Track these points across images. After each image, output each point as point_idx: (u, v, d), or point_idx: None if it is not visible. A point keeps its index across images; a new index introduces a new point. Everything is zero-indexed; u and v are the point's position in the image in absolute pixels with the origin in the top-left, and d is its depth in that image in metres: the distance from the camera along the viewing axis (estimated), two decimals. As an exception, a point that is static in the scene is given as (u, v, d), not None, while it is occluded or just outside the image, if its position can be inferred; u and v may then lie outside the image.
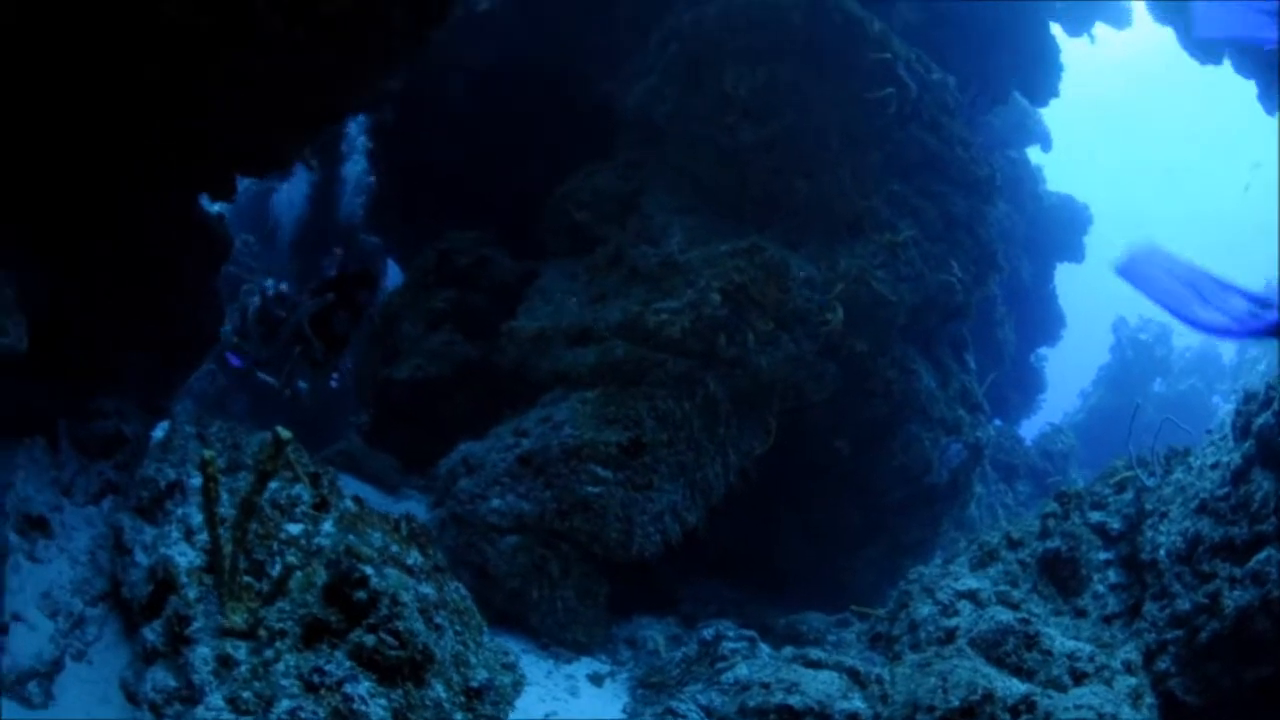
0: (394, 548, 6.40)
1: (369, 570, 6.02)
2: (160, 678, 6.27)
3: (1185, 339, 39.89)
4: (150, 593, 7.02)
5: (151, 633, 6.67)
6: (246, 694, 5.66)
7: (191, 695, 5.92)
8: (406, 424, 15.76)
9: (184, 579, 6.70)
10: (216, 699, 5.69)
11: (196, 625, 6.30)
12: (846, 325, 13.75)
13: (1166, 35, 19.64)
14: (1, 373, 6.88)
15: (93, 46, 7.73)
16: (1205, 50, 18.85)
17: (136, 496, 8.44)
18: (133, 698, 6.91)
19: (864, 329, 14.22)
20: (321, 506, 7.33)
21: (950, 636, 9.12)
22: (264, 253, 23.69)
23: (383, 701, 5.65)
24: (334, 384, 14.26)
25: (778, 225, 14.42)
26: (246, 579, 6.31)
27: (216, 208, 13.97)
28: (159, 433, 9.55)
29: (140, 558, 7.70)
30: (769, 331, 13.23)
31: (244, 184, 22.96)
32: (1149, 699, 7.71)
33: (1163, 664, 8.36)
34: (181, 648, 6.24)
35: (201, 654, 6.04)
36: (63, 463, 8.75)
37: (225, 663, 5.94)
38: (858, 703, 7.42)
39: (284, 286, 14.69)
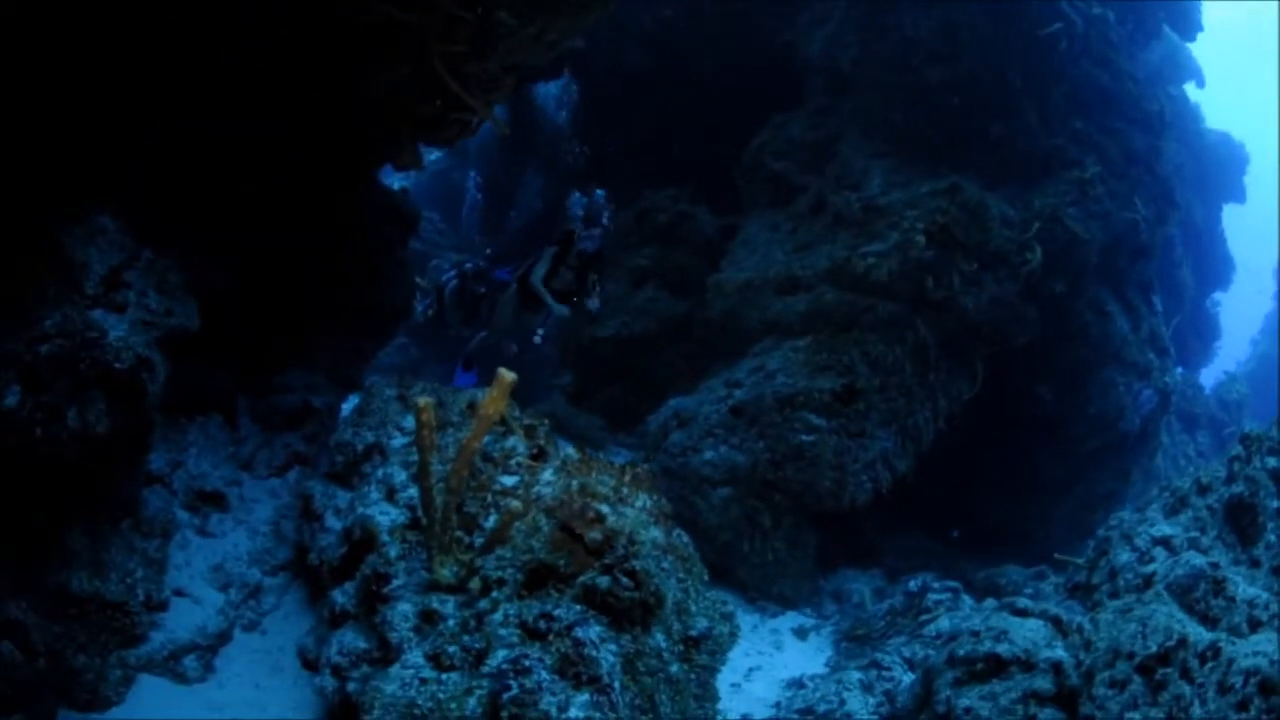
0: (624, 490, 5.63)
1: (605, 508, 5.30)
2: (348, 639, 5.70)
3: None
4: (344, 555, 6.42)
5: (342, 595, 6.13)
6: (453, 648, 4.90)
7: (386, 655, 5.24)
8: (611, 383, 15.50)
9: (385, 537, 6.04)
10: (416, 656, 4.96)
11: (396, 583, 5.66)
12: (1044, 265, 12.94)
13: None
14: (175, 354, 6.25)
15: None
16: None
17: (330, 462, 7.94)
18: (311, 665, 6.47)
19: (1060, 269, 13.36)
20: (539, 457, 6.62)
21: (1148, 582, 8.42)
22: (449, 230, 23.27)
23: (612, 648, 4.84)
24: (538, 340, 13.63)
25: (972, 166, 13.57)
26: (457, 533, 5.60)
27: (399, 182, 13.54)
28: (348, 406, 9.06)
29: (332, 522, 7.19)
30: (973, 272, 12.52)
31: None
32: None
33: (1320, 617, 7.48)
34: (379, 606, 5.57)
35: (401, 611, 5.36)
36: (242, 438, 8.30)
37: (429, 618, 5.22)
38: (1060, 651, 6.74)
39: (480, 263, 14.12)
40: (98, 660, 5.95)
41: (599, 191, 13.01)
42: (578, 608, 4.90)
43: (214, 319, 6.81)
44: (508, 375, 5.25)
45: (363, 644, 5.61)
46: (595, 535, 5.13)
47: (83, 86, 6.32)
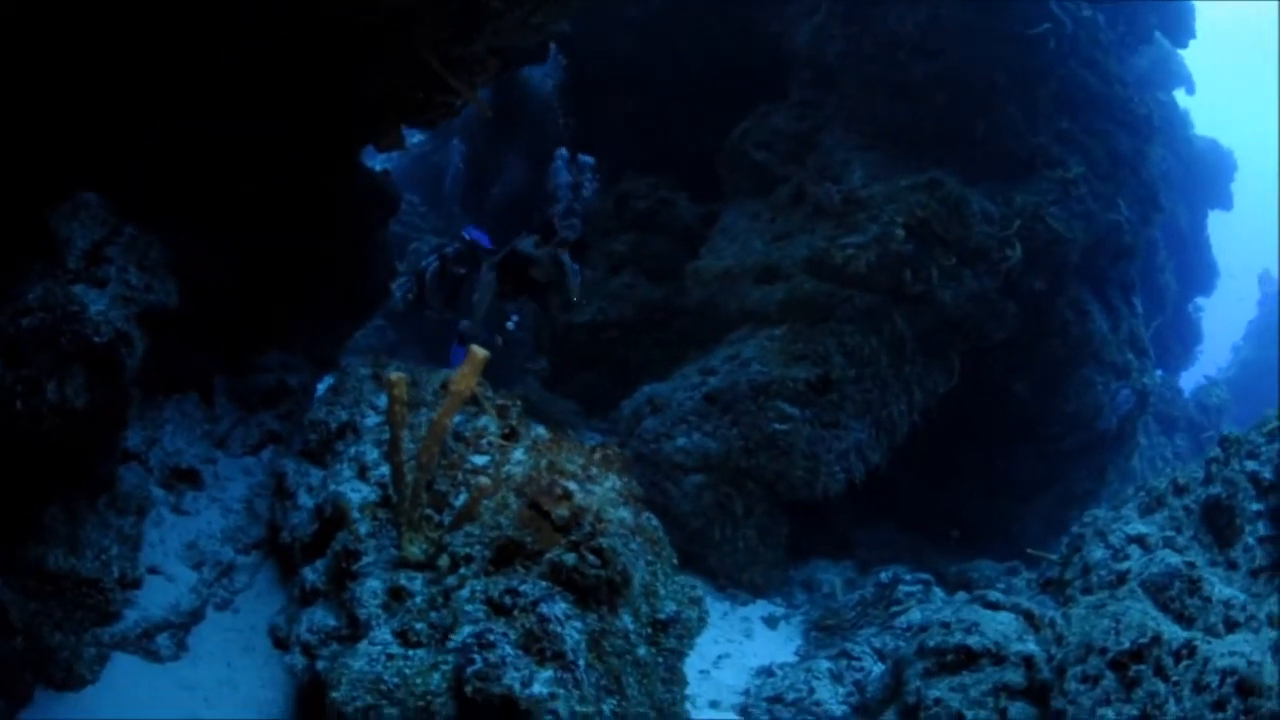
0: (592, 471, 5.68)
1: (573, 486, 5.35)
2: (318, 617, 5.77)
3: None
4: (315, 532, 6.49)
5: (312, 572, 6.19)
6: (420, 625, 4.96)
7: (355, 633, 5.29)
8: (586, 368, 15.52)
9: (356, 514, 6.08)
10: (384, 633, 5.01)
11: (366, 560, 5.69)
12: (1024, 263, 13.01)
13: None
14: (154, 331, 6.31)
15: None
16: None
17: (303, 440, 7.99)
18: (282, 643, 6.49)
19: (1041, 267, 13.42)
20: (510, 437, 6.67)
21: (1122, 579, 8.43)
22: (430, 213, 23.22)
23: (578, 625, 4.88)
24: (511, 327, 13.67)
25: (954, 161, 13.61)
26: (427, 511, 5.64)
27: (380, 164, 13.53)
28: (324, 385, 9.04)
29: (304, 500, 7.20)
30: (951, 267, 12.60)
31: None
32: None
33: (1298, 619, 7.54)
34: (348, 583, 5.61)
35: (370, 588, 5.41)
36: (218, 416, 8.35)
37: (397, 595, 5.27)
38: (1031, 645, 6.78)
39: (459, 246, 14.06)
40: (73, 638, 5.98)
41: (585, 156, 13.07)
42: (544, 584, 4.94)
43: (193, 298, 6.85)
44: (480, 352, 5.33)
45: (332, 621, 5.67)
46: (563, 512, 5.17)
47: (68, 66, 6.38)
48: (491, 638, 4.58)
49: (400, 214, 14.14)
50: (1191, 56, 25.09)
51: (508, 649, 4.57)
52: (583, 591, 5.03)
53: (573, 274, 12.68)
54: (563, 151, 13.40)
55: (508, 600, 4.82)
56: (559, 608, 4.82)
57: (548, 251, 12.58)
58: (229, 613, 7.02)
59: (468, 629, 4.73)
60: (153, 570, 6.79)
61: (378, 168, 11.66)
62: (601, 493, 5.44)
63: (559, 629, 4.70)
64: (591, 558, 5.04)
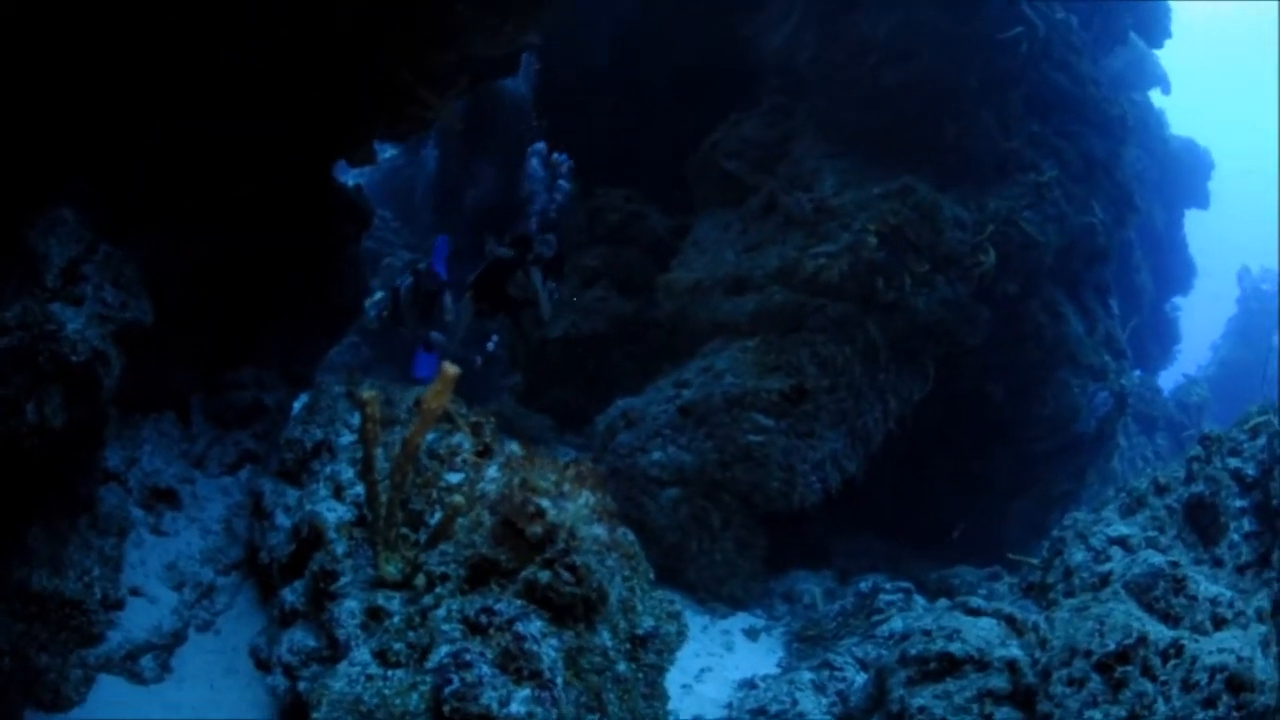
0: (566, 487, 5.71)
1: (546, 503, 5.34)
2: (298, 638, 5.79)
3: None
4: (292, 552, 6.50)
5: (291, 593, 6.21)
6: (399, 645, 4.99)
7: (334, 653, 5.31)
8: (561, 383, 15.54)
9: (332, 534, 6.10)
10: (363, 653, 5.04)
11: (344, 580, 5.71)
12: (997, 267, 13.06)
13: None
14: (129, 350, 6.34)
15: None
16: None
17: (279, 460, 8.00)
18: (264, 664, 6.53)
19: (1014, 271, 13.48)
20: (484, 454, 6.70)
21: (1104, 581, 8.45)
22: (403, 228, 23.20)
23: (554, 643, 4.91)
24: (491, 347, 13.69)
25: (926, 167, 13.64)
26: (403, 530, 5.68)
27: (353, 179, 13.51)
28: (299, 404, 9.05)
29: (282, 520, 7.26)
30: (924, 274, 12.65)
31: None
32: (1275, 648, 6.92)
33: (1286, 613, 7.59)
34: (326, 604, 5.63)
35: (348, 608, 5.43)
36: (195, 435, 8.39)
37: (375, 615, 5.30)
38: (1015, 650, 6.79)
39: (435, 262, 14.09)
40: (59, 659, 6.01)
41: (560, 155, 13.16)
42: (519, 602, 4.97)
43: (168, 315, 6.86)
44: (450, 369, 5.32)
45: (312, 642, 5.69)
46: (536, 529, 5.19)
47: (43, 81, 6.39)
48: (468, 657, 4.60)
49: (373, 229, 14.13)
50: (1182, 56, 25.27)
51: (484, 668, 4.58)
52: (558, 609, 5.06)
53: (545, 292, 12.75)
54: (539, 146, 13.50)
55: (484, 619, 4.84)
56: (535, 626, 4.84)
57: (521, 269, 12.65)
58: (211, 634, 7.06)
59: (445, 648, 4.75)
60: (134, 591, 6.82)
61: (350, 182, 11.64)
62: (575, 509, 5.45)
63: (535, 647, 4.72)
64: (566, 575, 5.07)
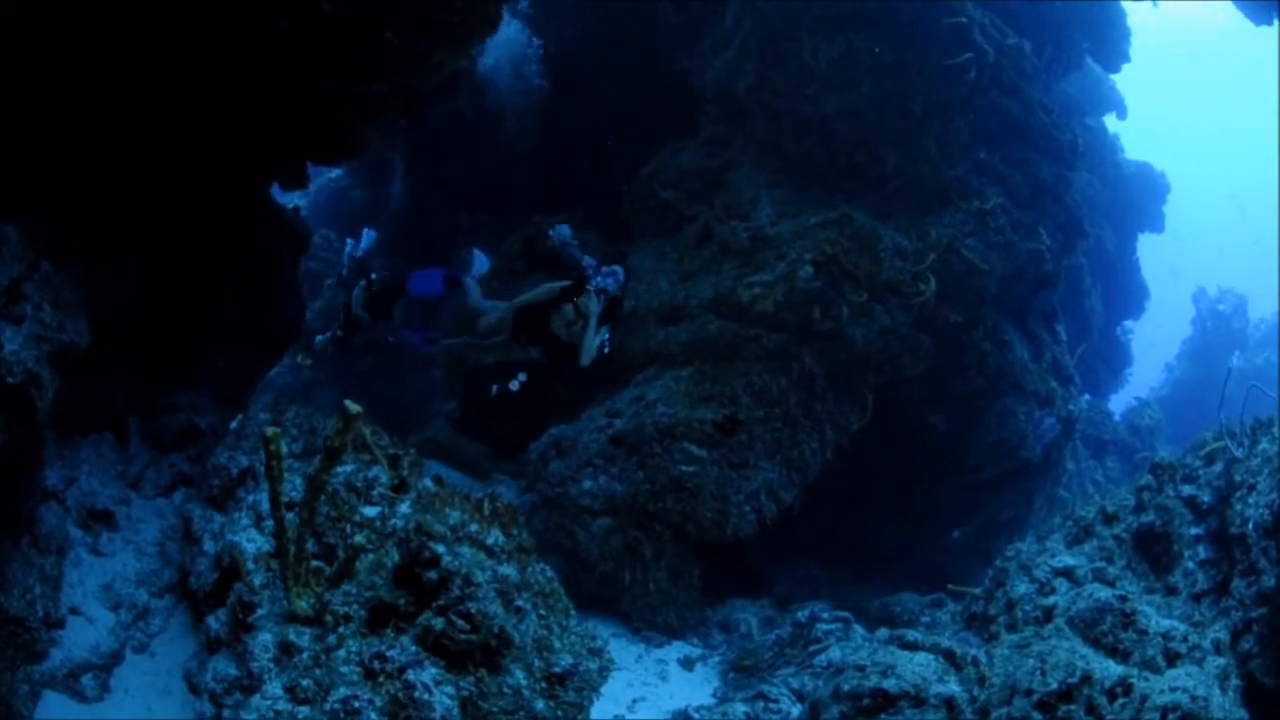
0: (473, 526, 5.80)
1: (441, 549, 5.44)
2: (221, 667, 5.94)
3: (1261, 310, 38.61)
4: (216, 580, 6.71)
5: (215, 621, 6.37)
6: (306, 681, 5.10)
7: (252, 684, 5.43)
8: (497, 410, 15.22)
9: (250, 565, 6.29)
10: (275, 687, 5.16)
11: (261, 612, 5.85)
12: (939, 296, 13.17)
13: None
14: (67, 370, 6.47)
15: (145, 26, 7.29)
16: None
17: (208, 486, 8.14)
18: (196, 689, 6.63)
19: (957, 299, 13.59)
20: (400, 488, 6.85)
21: (1048, 615, 8.53)
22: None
23: (450, 690, 5.03)
24: (515, 387, 12.82)
25: (866, 196, 13.83)
26: (316, 563, 5.80)
27: (293, 201, 13.52)
28: (235, 426, 9.15)
29: (208, 546, 7.38)
30: (862, 303, 12.72)
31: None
32: (1235, 680, 7.02)
33: (1246, 644, 7.58)
34: (243, 635, 5.79)
35: (263, 641, 5.57)
36: (131, 456, 8.54)
37: (287, 650, 5.42)
38: (953, 686, 6.85)
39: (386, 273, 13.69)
40: (8, 674, 6.13)
41: (615, 266, 11.50)
42: (414, 649, 5.09)
43: (106, 336, 7.05)
44: (352, 407, 5.30)
45: (234, 671, 5.82)
46: (431, 576, 5.31)
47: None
48: (357, 704, 4.72)
49: (315, 250, 14.12)
50: (1160, 79, 25.46)
51: (373, 715, 4.70)
52: (454, 656, 5.17)
53: (595, 339, 11.10)
54: (564, 230, 12.42)
55: (376, 665, 4.96)
56: (427, 674, 4.97)
57: (574, 304, 11.19)
58: (146, 656, 7.21)
59: (342, 690, 4.87)
60: (74, 611, 6.98)
61: (291, 204, 11.72)
62: (470, 554, 5.55)
63: (427, 696, 4.84)
64: (461, 622, 5.18)
